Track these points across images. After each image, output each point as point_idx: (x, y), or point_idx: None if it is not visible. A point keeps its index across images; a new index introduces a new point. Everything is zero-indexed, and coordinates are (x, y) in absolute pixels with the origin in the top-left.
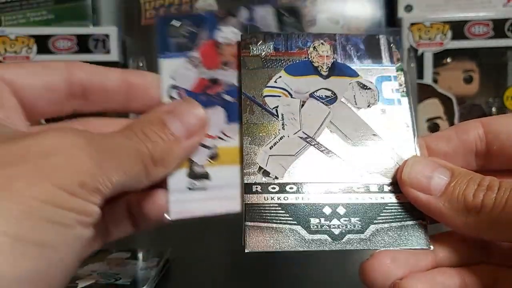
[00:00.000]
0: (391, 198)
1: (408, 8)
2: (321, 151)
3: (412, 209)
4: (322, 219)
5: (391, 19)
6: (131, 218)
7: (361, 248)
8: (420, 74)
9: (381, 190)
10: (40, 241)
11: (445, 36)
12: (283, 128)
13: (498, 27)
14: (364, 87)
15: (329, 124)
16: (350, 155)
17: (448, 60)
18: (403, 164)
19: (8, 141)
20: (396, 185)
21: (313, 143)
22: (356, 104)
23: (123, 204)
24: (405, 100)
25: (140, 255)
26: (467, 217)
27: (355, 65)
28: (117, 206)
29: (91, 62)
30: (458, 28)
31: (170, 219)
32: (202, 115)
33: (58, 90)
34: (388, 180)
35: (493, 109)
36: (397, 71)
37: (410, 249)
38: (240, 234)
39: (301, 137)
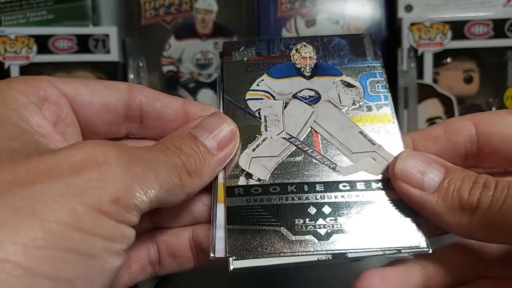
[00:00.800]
0: (379, 196)
1: (408, 8)
2: (305, 151)
3: (403, 207)
4: (307, 220)
5: (391, 19)
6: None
7: (350, 250)
8: (420, 74)
9: (368, 187)
10: (56, 275)
11: (445, 36)
12: (266, 130)
13: (498, 27)
14: (348, 85)
15: (313, 124)
16: (335, 153)
17: (448, 60)
18: (396, 158)
19: (37, 157)
20: (384, 182)
21: (296, 143)
22: (340, 102)
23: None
24: (389, 96)
25: None
26: (461, 216)
27: (339, 64)
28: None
29: (91, 62)
30: (458, 28)
31: (215, 256)
32: (232, 127)
33: (116, 112)
34: (376, 177)
35: (493, 109)
36: (382, 67)
37: (407, 249)
38: None
39: (284, 138)
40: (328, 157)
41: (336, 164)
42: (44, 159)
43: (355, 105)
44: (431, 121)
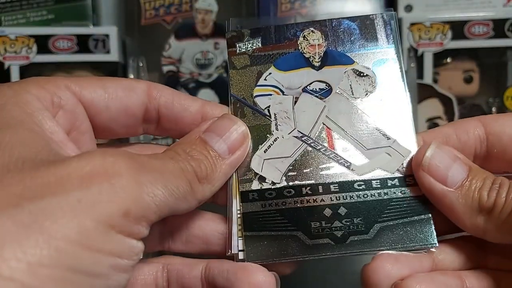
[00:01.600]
0: (395, 193)
1: (408, 8)
2: (318, 149)
3: (417, 203)
4: (323, 222)
5: None
6: None
7: (367, 250)
8: (420, 74)
9: (384, 185)
10: None
11: (445, 36)
12: (276, 129)
13: (498, 27)
14: (360, 74)
15: (325, 119)
16: (349, 151)
17: (448, 60)
18: (422, 148)
19: (46, 168)
20: (399, 179)
21: (309, 142)
22: (353, 94)
23: None
24: (402, 86)
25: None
26: (478, 216)
27: (350, 51)
28: None
29: (91, 62)
30: (458, 28)
31: (232, 253)
32: (243, 128)
33: (135, 116)
34: (391, 174)
35: (493, 109)
36: (396, 53)
37: (417, 249)
38: None
39: (296, 137)
40: (342, 156)
41: (350, 163)
42: (53, 171)
43: (368, 95)
44: (431, 121)
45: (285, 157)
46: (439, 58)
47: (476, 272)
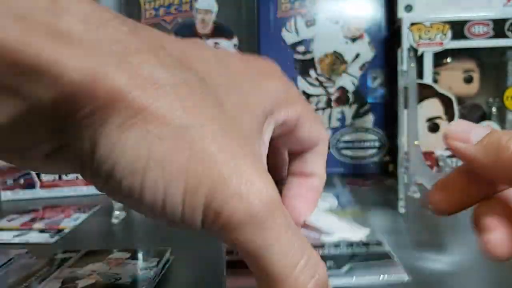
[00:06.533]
0: (360, 250)
1: (408, 8)
2: None
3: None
4: None
5: (391, 19)
6: None
7: (339, 283)
8: (420, 74)
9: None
10: None
11: (445, 36)
12: None
13: (498, 27)
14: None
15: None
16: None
17: (448, 60)
18: (449, 126)
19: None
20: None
21: None
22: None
23: None
24: None
25: (140, 255)
26: (497, 157)
27: None
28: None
29: None
30: (458, 28)
31: None
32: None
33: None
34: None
35: (493, 109)
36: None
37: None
38: None
39: None
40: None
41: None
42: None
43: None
44: (431, 121)
45: None
46: (439, 58)
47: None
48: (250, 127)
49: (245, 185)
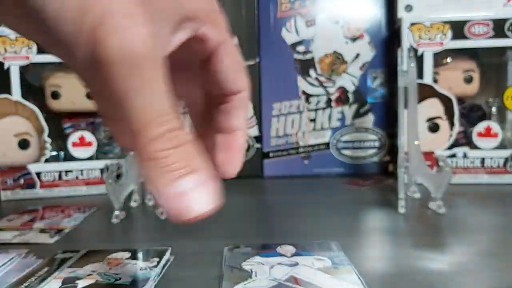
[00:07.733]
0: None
1: (408, 8)
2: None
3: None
4: None
5: (391, 19)
6: None
7: None
8: (420, 74)
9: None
10: None
11: (445, 36)
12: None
13: (498, 27)
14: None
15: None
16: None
17: (448, 60)
18: None
19: None
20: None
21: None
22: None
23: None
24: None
25: (140, 255)
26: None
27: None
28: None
29: None
30: (458, 28)
31: None
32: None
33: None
34: None
35: (493, 109)
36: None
37: None
38: (240, 235)
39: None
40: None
41: None
42: None
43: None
44: (431, 121)
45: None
46: (439, 58)
47: None
48: (162, 10)
49: (133, 28)
